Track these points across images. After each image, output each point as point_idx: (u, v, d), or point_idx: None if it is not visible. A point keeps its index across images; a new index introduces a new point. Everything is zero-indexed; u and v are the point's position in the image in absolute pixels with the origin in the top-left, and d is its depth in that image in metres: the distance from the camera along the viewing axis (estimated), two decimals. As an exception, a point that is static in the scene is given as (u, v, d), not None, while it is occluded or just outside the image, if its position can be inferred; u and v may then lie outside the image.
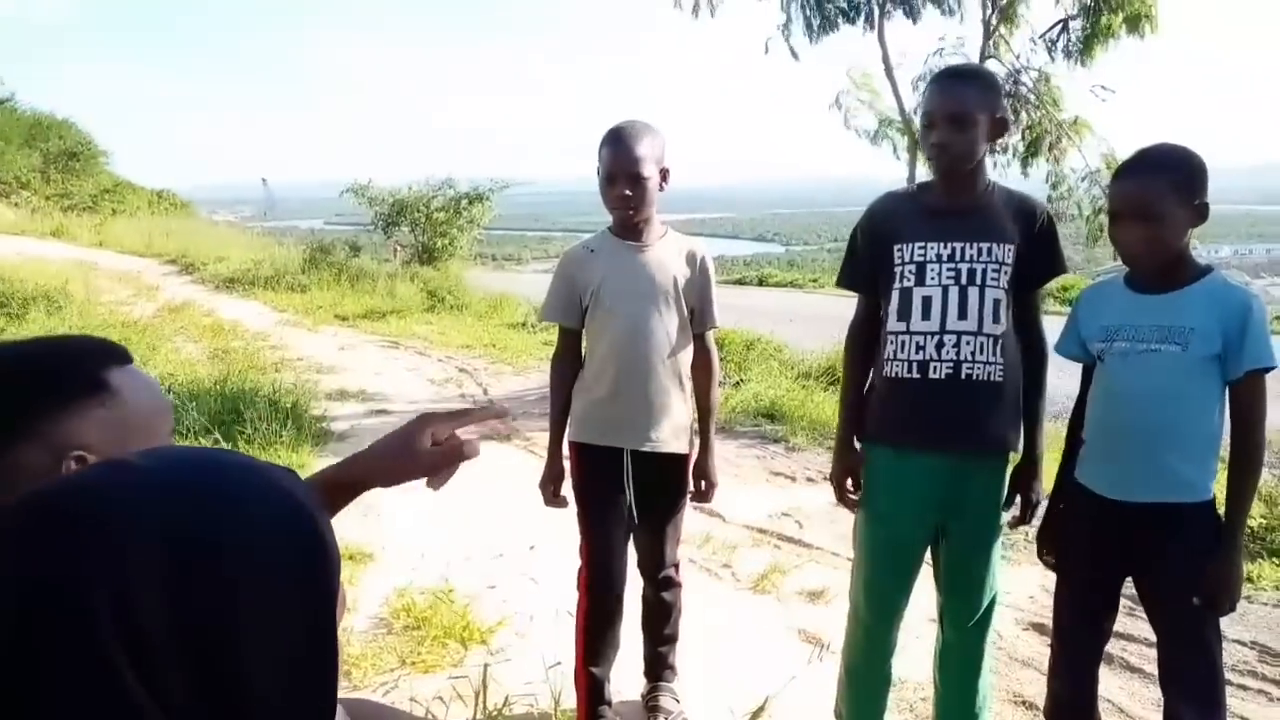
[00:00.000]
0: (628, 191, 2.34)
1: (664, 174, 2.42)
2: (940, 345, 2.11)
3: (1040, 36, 6.79)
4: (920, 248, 2.15)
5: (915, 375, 2.14)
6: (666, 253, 2.47)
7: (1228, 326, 1.85)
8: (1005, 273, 2.12)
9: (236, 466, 0.67)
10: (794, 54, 6.76)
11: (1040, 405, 2.24)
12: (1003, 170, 7.16)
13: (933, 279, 2.13)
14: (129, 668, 0.54)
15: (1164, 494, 1.92)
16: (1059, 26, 6.70)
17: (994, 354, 2.11)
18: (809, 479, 5.24)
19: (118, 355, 1.10)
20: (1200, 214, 1.90)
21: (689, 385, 2.51)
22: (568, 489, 2.53)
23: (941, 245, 2.13)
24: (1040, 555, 2.24)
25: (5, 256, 15.58)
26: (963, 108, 2.08)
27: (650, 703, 2.65)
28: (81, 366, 1.05)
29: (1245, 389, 1.87)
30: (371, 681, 2.83)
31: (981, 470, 2.19)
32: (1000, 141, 6.82)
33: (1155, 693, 2.91)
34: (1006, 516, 2.26)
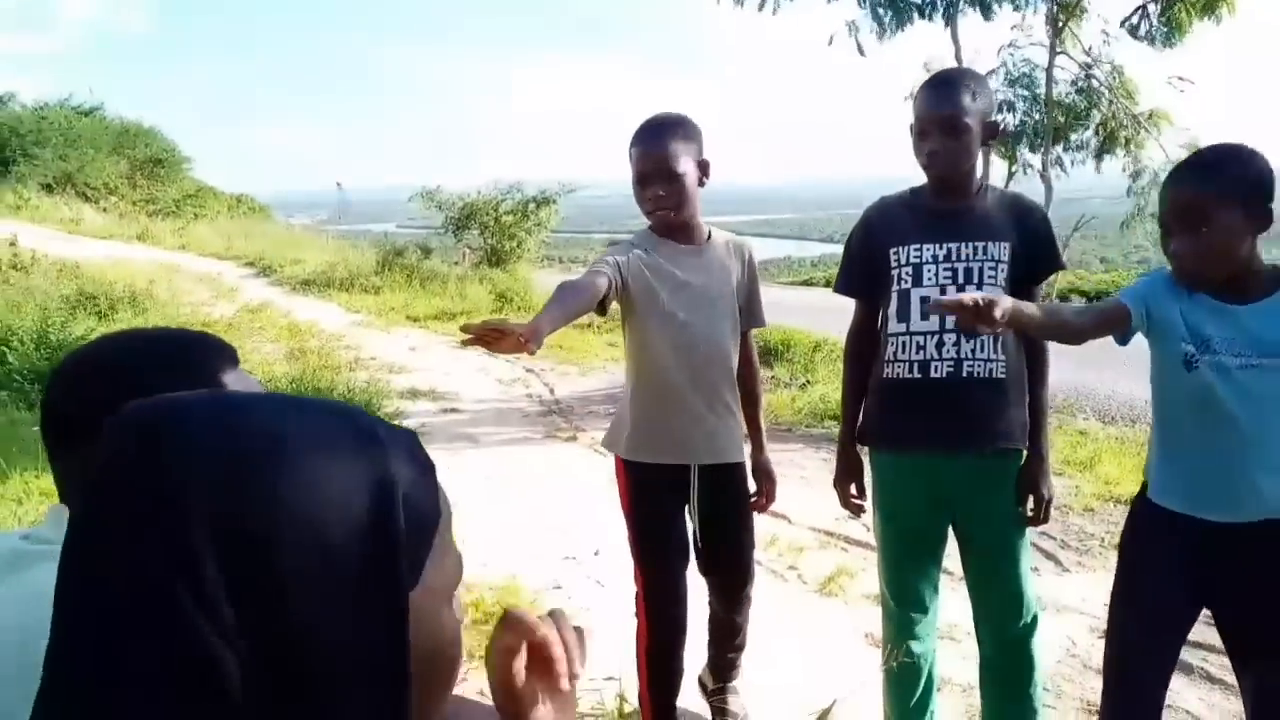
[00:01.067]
0: (662, 192, 2.26)
1: (703, 167, 2.32)
2: (940, 344, 2.12)
3: (1121, 23, 6.60)
4: (916, 249, 2.16)
5: (917, 375, 2.15)
6: (719, 253, 2.39)
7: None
8: (1002, 270, 2.13)
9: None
10: (861, 50, 6.69)
11: (1044, 400, 2.22)
12: (1078, 166, 7.02)
13: (930, 279, 2.14)
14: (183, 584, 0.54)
15: (1260, 513, 1.80)
16: (1138, 11, 6.51)
17: (994, 351, 2.12)
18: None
19: (230, 356, 1.13)
20: (1261, 221, 1.76)
21: (738, 387, 2.45)
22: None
23: (937, 246, 2.15)
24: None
25: (94, 259, 16.19)
26: (955, 114, 2.09)
27: (717, 704, 2.64)
28: (204, 364, 1.07)
29: None
30: (441, 674, 2.88)
31: (990, 470, 2.18)
32: (1075, 138, 6.71)
33: (1236, 704, 2.83)
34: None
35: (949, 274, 2.13)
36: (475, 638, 3.15)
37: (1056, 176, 7.06)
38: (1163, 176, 6.21)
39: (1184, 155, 6.29)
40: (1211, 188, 1.73)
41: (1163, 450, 1.94)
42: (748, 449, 2.51)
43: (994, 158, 7.10)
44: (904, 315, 2.17)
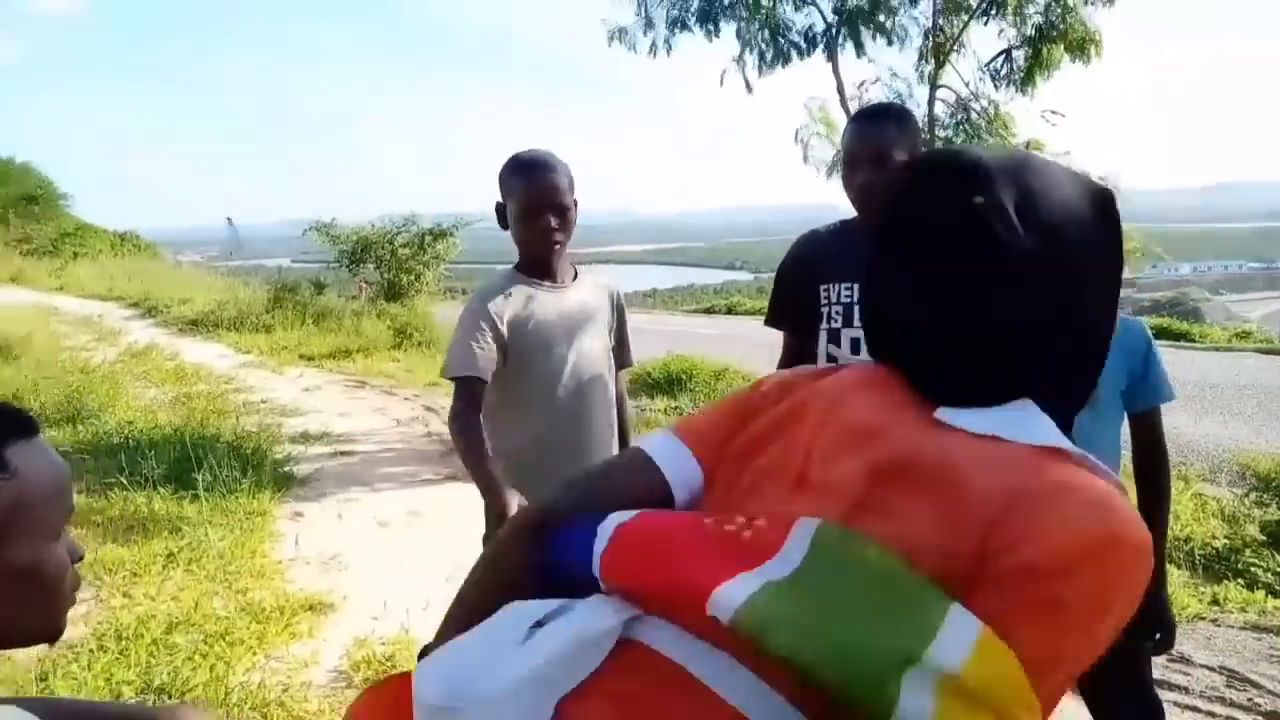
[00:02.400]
0: (555, 223, 2.21)
1: (575, 205, 2.29)
2: None
3: (985, 66, 6.91)
4: (847, 288, 2.15)
5: None
6: (587, 291, 2.35)
7: (1132, 364, 1.86)
8: None
9: None
10: (748, 86, 6.83)
11: None
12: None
13: (860, 320, 2.12)
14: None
15: None
16: (1002, 57, 6.82)
17: None
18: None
19: (24, 427, 1.07)
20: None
21: (616, 428, 2.40)
22: None
23: None
24: None
25: (-38, 304, 15.32)
26: (883, 147, 2.09)
27: None
28: None
29: (1148, 421, 1.91)
30: (330, 738, 2.76)
31: None
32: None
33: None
34: None
35: None
36: (367, 696, 3.03)
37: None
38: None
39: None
40: None
41: None
42: None
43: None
44: (834, 355, 2.16)
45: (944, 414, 0.95)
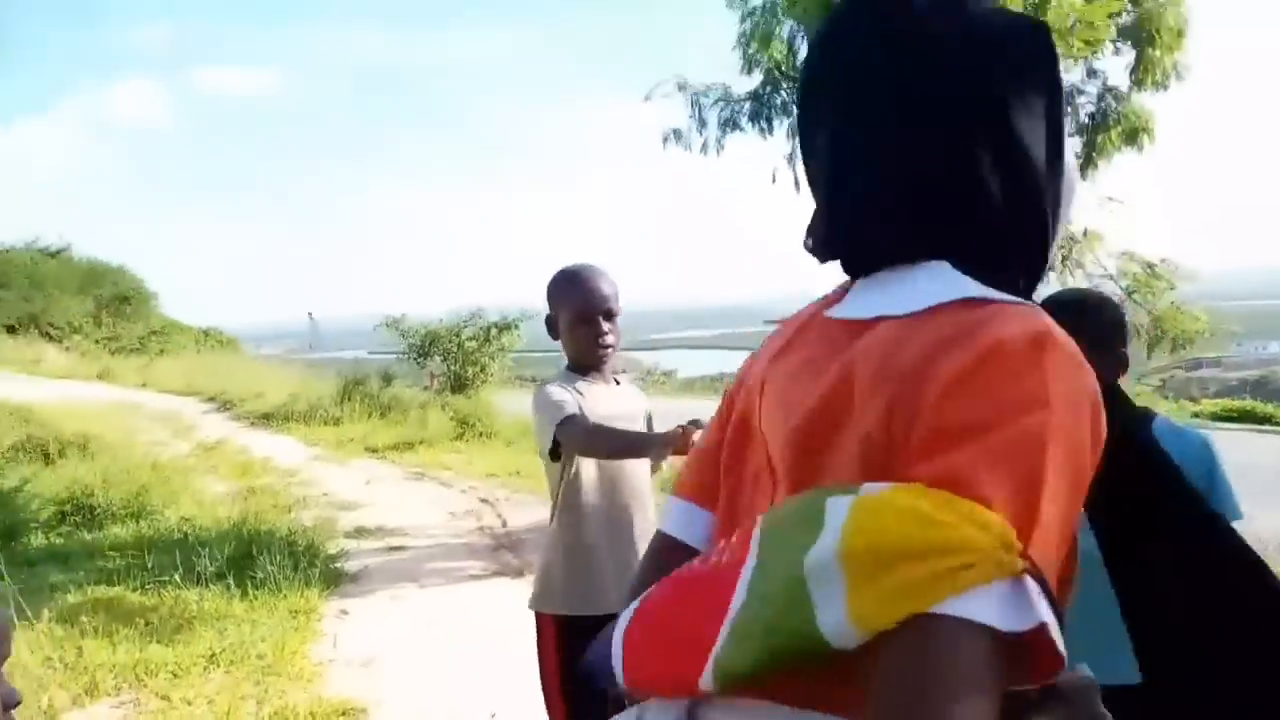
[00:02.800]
0: (607, 328, 2.30)
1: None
2: None
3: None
4: None
5: None
6: (630, 392, 2.42)
7: (1196, 481, 1.77)
8: None
9: None
10: (797, 185, 6.89)
11: None
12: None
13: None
14: None
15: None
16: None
17: None
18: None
19: None
20: (1120, 365, 1.83)
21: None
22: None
23: None
24: None
25: (49, 400, 15.97)
26: None
27: None
28: None
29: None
30: None
31: None
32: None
33: None
34: None
35: None
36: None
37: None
38: (1105, 286, 6.26)
39: (1116, 267, 6.45)
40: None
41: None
42: None
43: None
44: None
45: (835, 310, 0.89)
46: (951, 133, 0.84)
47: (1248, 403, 16.27)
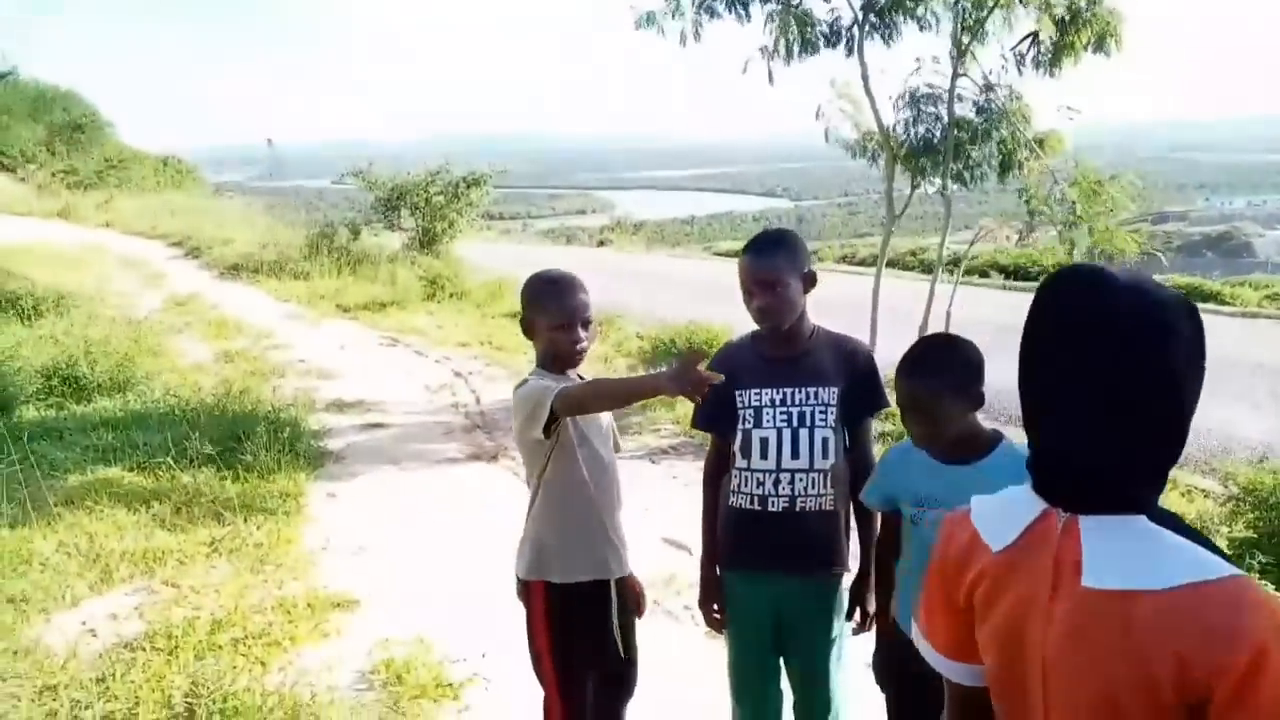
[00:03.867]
0: (583, 333, 2.45)
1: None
2: (777, 482, 2.41)
3: (1012, 49, 6.94)
4: (757, 393, 2.44)
5: (757, 507, 2.44)
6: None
7: None
8: (832, 412, 2.42)
9: None
10: (770, 78, 6.93)
11: (873, 524, 2.50)
12: (979, 183, 7.36)
13: (768, 421, 2.42)
14: None
15: None
16: (1029, 39, 6.85)
17: (824, 486, 2.42)
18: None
19: None
20: (976, 402, 2.09)
21: None
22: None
23: (775, 390, 2.43)
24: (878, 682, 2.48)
25: (13, 242, 15.84)
26: (773, 274, 2.37)
27: None
28: None
29: None
30: (352, 743, 3.14)
31: (815, 588, 2.49)
32: (975, 155, 7.03)
33: None
34: (849, 627, 2.55)
35: (784, 417, 2.41)
36: (386, 700, 3.39)
37: (956, 191, 7.42)
38: (1055, 196, 6.49)
39: (1065, 184, 6.67)
40: (936, 383, 2.08)
41: (903, 582, 2.29)
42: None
43: (898, 175, 7.42)
44: (746, 453, 2.43)
45: (1090, 578, 1.14)
46: (1168, 403, 1.14)
47: (1196, 279, 16.79)
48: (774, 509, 2.42)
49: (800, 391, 2.42)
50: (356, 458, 6.29)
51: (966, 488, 2.03)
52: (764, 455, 2.41)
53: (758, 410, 2.43)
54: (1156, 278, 1.21)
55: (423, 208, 15.46)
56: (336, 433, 6.82)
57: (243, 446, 5.76)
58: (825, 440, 2.41)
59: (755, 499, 2.44)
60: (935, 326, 7.01)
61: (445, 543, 4.79)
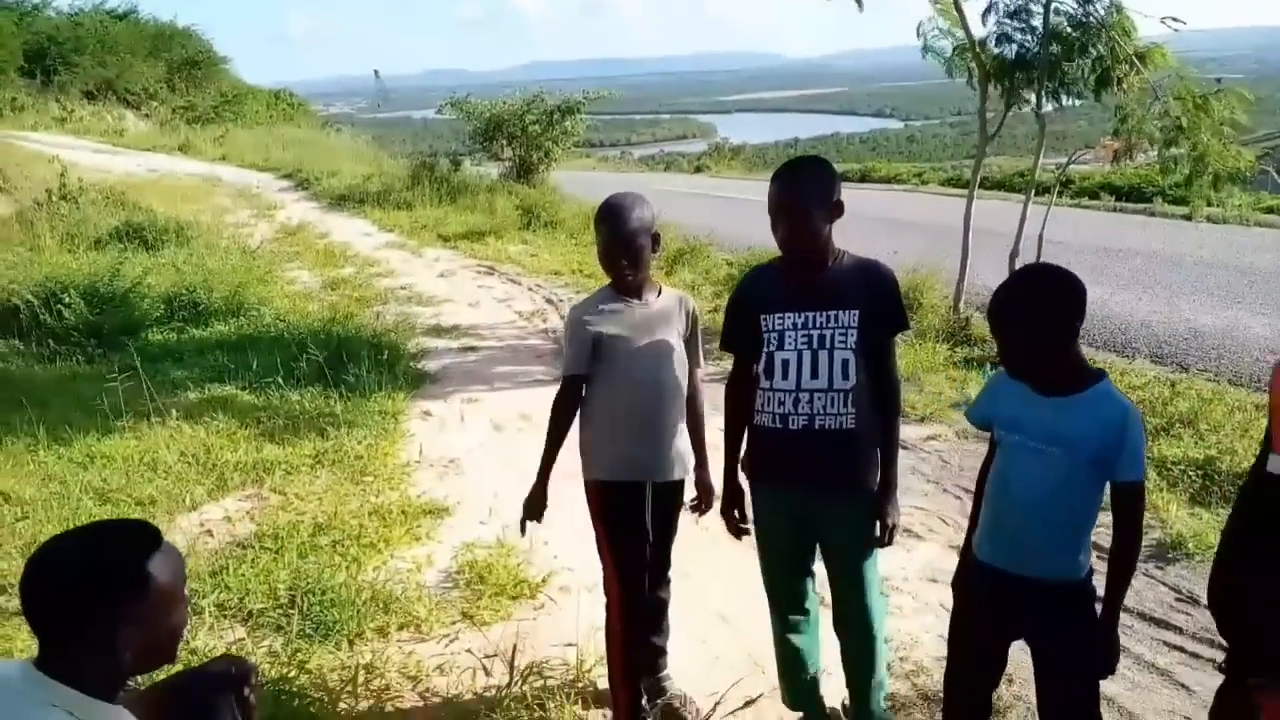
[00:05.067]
0: (625, 262, 2.67)
1: (655, 240, 2.73)
2: (797, 401, 2.49)
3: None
4: (780, 318, 2.51)
5: (778, 425, 2.52)
6: (667, 307, 2.79)
7: (1106, 437, 2.05)
8: (852, 335, 2.47)
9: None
10: (860, 3, 6.83)
11: (894, 443, 2.60)
12: (1074, 101, 7.09)
13: (790, 344, 2.50)
14: None
15: (1040, 572, 2.19)
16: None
17: (844, 406, 2.47)
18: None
19: (153, 540, 1.64)
20: (1065, 337, 2.07)
21: (685, 418, 2.85)
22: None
23: (797, 315, 2.50)
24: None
25: (139, 175, 16.74)
26: (800, 204, 2.43)
27: (654, 689, 3.01)
28: (124, 563, 1.59)
29: (1122, 493, 2.09)
30: (436, 634, 3.43)
31: (839, 503, 2.57)
32: (1070, 72, 6.76)
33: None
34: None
35: (805, 340, 2.48)
36: (468, 598, 3.68)
37: (1054, 109, 7.16)
38: (1153, 114, 6.22)
39: (1171, 96, 6.37)
40: (1021, 320, 2.08)
41: (982, 507, 2.36)
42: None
43: (992, 94, 7.20)
44: (769, 373, 2.53)
45: None
46: None
47: None
48: (794, 427, 2.50)
49: (821, 315, 2.49)
50: (451, 379, 6.61)
51: (1053, 423, 2.13)
52: (785, 376, 2.50)
53: (780, 334, 2.51)
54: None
55: (519, 137, 15.67)
56: (434, 355, 7.15)
57: (346, 368, 6.11)
58: (845, 362, 2.47)
59: (777, 417, 2.52)
60: (1027, 251, 6.87)
61: (530, 457, 5.00)
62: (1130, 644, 3.34)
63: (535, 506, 2.86)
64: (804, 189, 2.44)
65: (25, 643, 3.23)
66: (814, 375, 2.47)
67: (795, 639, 2.74)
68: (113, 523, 1.88)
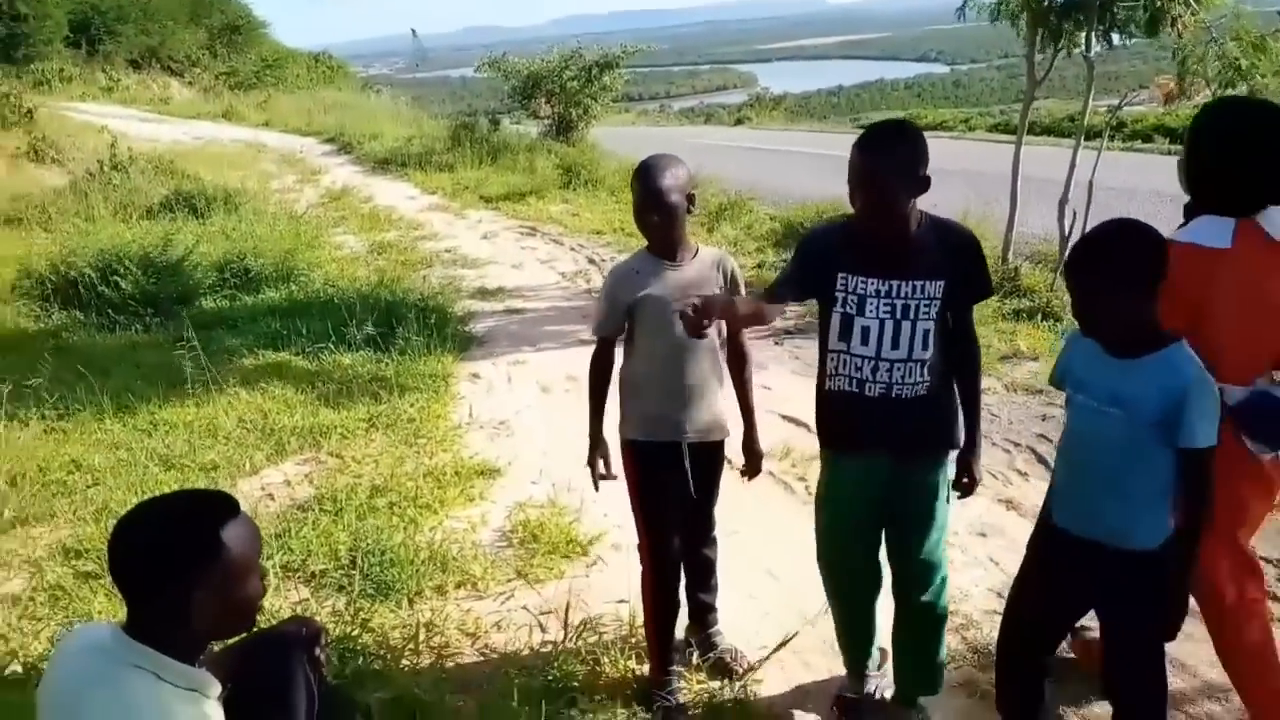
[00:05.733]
0: (656, 219, 2.68)
1: (690, 199, 2.72)
2: (875, 369, 2.44)
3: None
4: (862, 281, 2.43)
5: (854, 390, 2.48)
6: (703, 267, 2.79)
7: (1168, 401, 2.01)
8: (936, 305, 2.41)
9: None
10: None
11: (976, 404, 2.57)
12: (1124, 41, 6.91)
13: (872, 312, 2.43)
14: None
15: (1106, 537, 2.17)
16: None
17: (921, 375, 2.44)
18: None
19: (230, 509, 1.70)
20: (1139, 294, 2.03)
21: (726, 379, 2.88)
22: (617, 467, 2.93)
23: (880, 282, 2.42)
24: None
25: (185, 143, 16.98)
26: (882, 177, 2.32)
27: (705, 643, 3.09)
28: (200, 531, 1.66)
29: (1187, 459, 2.06)
30: (492, 592, 3.52)
31: (915, 469, 2.54)
32: (1121, 13, 6.57)
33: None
34: (954, 497, 2.62)
35: (889, 309, 2.42)
36: (522, 556, 3.77)
37: (1105, 50, 6.97)
38: (1211, 54, 6.03)
39: (1227, 36, 6.16)
40: (1093, 281, 2.06)
41: (1055, 467, 2.36)
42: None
43: (1039, 39, 7.01)
44: (845, 337, 2.47)
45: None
46: None
47: None
48: (870, 394, 2.46)
49: (908, 285, 2.41)
50: (497, 341, 6.69)
51: (1116, 384, 2.09)
52: (865, 342, 2.45)
53: (861, 299, 2.44)
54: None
55: (558, 94, 15.60)
56: (480, 318, 7.23)
57: (395, 332, 6.20)
58: (926, 333, 2.42)
59: (854, 381, 2.48)
60: (1077, 198, 6.74)
61: (577, 418, 5.08)
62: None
63: (597, 467, 2.92)
64: (891, 162, 2.32)
65: (102, 605, 3.38)
66: (895, 346, 2.42)
67: (864, 611, 2.75)
68: (193, 492, 1.97)
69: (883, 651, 2.90)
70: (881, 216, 2.38)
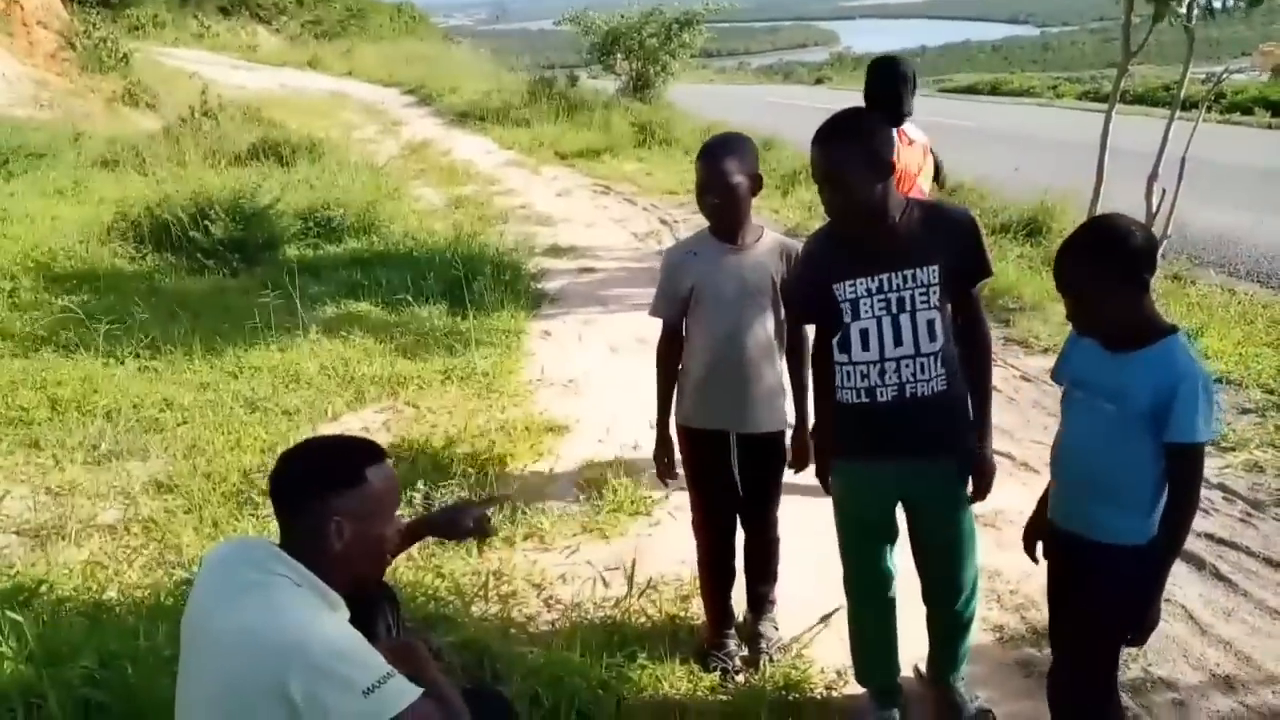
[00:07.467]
0: (717, 200, 2.64)
1: (755, 180, 2.67)
2: (883, 372, 2.32)
3: None
4: (851, 285, 2.32)
5: (864, 400, 2.35)
6: (764, 253, 2.74)
7: (1158, 395, 1.99)
8: (933, 292, 2.28)
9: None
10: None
11: (986, 393, 2.44)
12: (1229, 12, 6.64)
13: (866, 312, 2.32)
14: None
15: (1090, 531, 2.15)
16: None
17: (935, 368, 2.30)
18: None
19: (376, 455, 1.83)
20: (1129, 290, 2.01)
21: (783, 369, 2.83)
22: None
23: (869, 280, 2.31)
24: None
25: (272, 91, 17.32)
26: (835, 169, 2.25)
27: (753, 630, 3.06)
28: (345, 462, 1.79)
29: (1170, 454, 2.03)
30: (559, 545, 3.64)
31: (939, 471, 2.42)
32: None
33: (1234, 602, 3.25)
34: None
35: (883, 305, 2.30)
36: (588, 512, 3.86)
37: (1207, 20, 6.71)
38: None
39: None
40: (1089, 266, 2.04)
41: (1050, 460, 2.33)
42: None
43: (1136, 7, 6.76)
44: (845, 347, 2.36)
45: None
46: None
47: None
48: (883, 399, 2.33)
49: (896, 275, 2.29)
50: (569, 300, 6.78)
51: (1112, 378, 2.08)
52: (865, 347, 2.33)
53: (854, 302, 2.33)
54: None
55: (637, 51, 15.53)
56: (552, 276, 7.33)
57: (470, 287, 6.33)
58: (930, 322, 2.29)
59: (862, 392, 2.35)
60: (1168, 174, 6.53)
61: (645, 378, 5.16)
62: (1252, 588, 3.31)
63: (663, 462, 2.95)
64: (837, 150, 2.25)
65: (190, 539, 3.57)
66: (898, 342, 2.30)
67: (882, 620, 2.65)
68: (348, 436, 2.19)
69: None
70: (852, 212, 2.30)
